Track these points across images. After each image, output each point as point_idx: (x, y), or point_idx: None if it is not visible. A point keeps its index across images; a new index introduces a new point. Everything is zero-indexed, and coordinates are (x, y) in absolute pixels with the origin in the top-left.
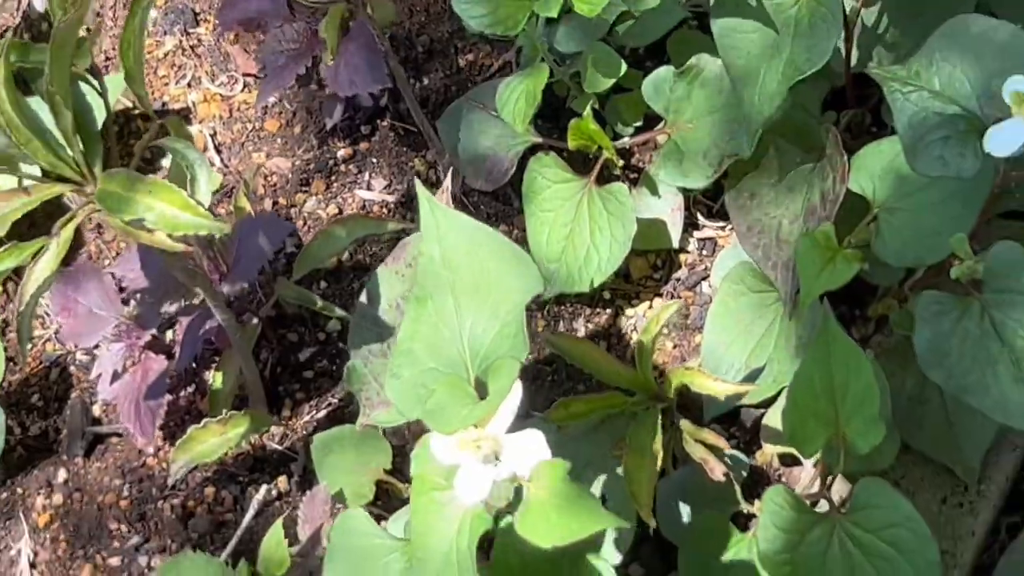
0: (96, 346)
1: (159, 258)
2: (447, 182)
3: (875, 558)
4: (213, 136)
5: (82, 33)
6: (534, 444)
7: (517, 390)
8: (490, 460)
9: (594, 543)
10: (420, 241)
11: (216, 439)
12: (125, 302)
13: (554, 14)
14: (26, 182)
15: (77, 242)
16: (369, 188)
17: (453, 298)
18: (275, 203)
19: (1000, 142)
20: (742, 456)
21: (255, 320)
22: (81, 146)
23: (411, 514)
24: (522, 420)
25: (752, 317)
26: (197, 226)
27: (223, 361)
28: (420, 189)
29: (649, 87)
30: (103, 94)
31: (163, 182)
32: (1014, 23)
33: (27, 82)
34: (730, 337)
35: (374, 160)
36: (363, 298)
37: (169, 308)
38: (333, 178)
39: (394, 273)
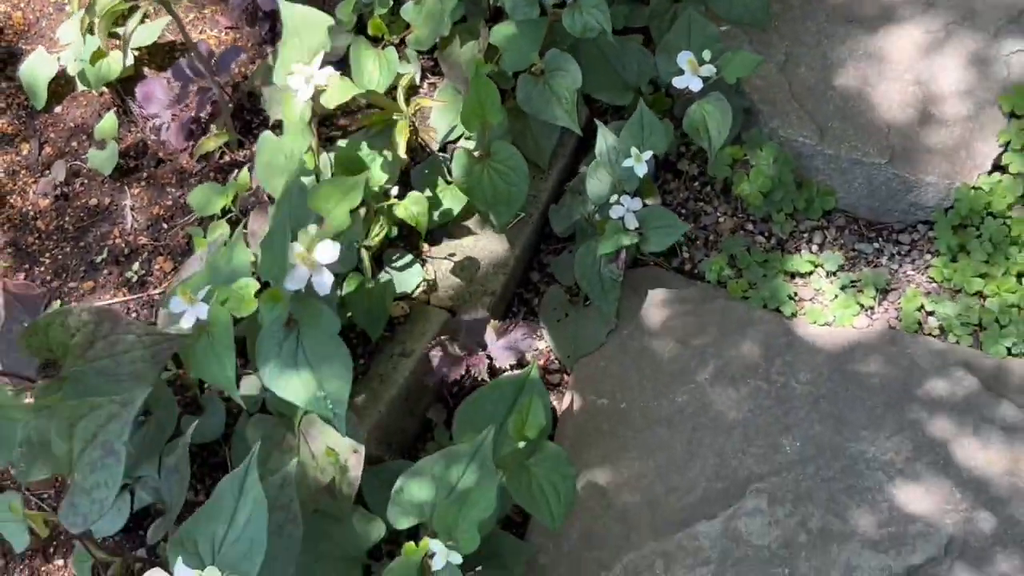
0: (158, 113)
1: (185, 70)
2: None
3: (501, 173)
4: (209, 49)
5: None
6: (328, 70)
7: (323, 51)
8: (309, 81)
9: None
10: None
11: (214, 142)
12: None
13: None
14: None
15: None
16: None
17: (296, 35)
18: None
19: None
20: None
21: (231, 104)
22: None
23: (283, 114)
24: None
25: (455, 97)
26: None
27: (219, 118)
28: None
29: (404, 10)
30: None
31: None
32: None
33: None
34: (444, 104)
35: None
36: (270, 62)
37: (192, 90)
38: (267, 50)
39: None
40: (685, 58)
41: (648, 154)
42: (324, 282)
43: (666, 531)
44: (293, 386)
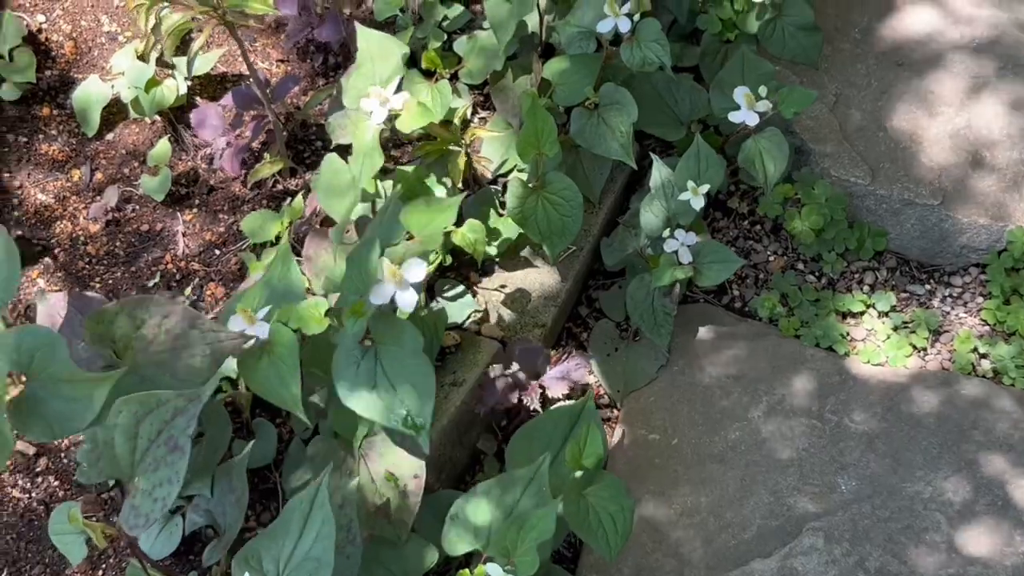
0: (213, 140)
1: (244, 94)
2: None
3: (555, 204)
4: (265, 78)
5: None
6: (404, 95)
7: (396, 90)
8: (384, 105)
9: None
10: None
11: (268, 169)
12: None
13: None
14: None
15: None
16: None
17: (371, 61)
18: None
19: (603, 28)
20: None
21: (285, 133)
22: None
23: (352, 136)
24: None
25: (507, 130)
26: (265, 8)
27: (272, 147)
28: (359, 26)
29: (457, 45)
30: None
31: None
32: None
33: None
34: (498, 135)
35: (342, 70)
36: (335, 93)
37: (247, 119)
38: (320, 82)
39: (348, 77)
40: (742, 93)
41: (705, 188)
42: (409, 300)
43: (721, 568)
44: (372, 404)
